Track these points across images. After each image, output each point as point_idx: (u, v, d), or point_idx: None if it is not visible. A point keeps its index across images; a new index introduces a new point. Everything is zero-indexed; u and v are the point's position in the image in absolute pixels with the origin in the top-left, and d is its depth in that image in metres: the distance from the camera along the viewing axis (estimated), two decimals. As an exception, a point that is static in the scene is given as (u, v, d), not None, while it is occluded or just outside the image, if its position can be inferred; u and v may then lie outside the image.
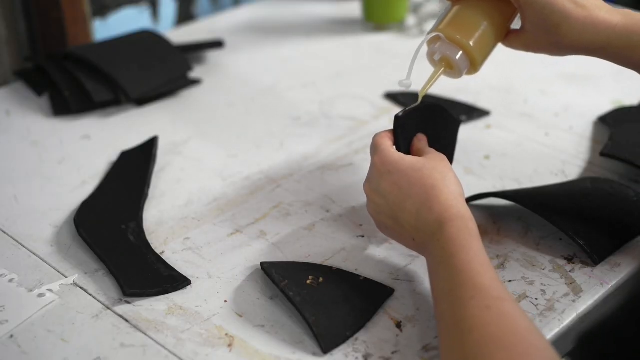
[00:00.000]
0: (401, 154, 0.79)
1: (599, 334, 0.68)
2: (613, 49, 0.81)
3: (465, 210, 0.75)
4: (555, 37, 0.82)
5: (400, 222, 0.77)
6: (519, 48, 0.87)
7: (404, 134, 0.83)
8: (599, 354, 0.66)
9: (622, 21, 0.80)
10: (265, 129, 1.08)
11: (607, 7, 0.81)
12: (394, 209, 0.77)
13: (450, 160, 0.88)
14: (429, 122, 0.85)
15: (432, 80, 0.85)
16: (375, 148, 0.81)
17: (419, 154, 0.81)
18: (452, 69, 0.86)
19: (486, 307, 0.65)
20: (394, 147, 0.82)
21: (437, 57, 0.85)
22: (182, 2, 1.48)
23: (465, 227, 0.72)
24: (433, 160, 0.79)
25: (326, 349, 0.72)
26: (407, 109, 0.83)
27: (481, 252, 0.71)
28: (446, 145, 0.87)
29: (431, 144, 0.84)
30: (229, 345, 0.74)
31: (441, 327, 0.68)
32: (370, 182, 0.80)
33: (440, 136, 0.86)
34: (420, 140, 0.83)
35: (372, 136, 0.82)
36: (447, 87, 1.17)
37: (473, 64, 0.86)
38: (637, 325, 0.63)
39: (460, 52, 0.84)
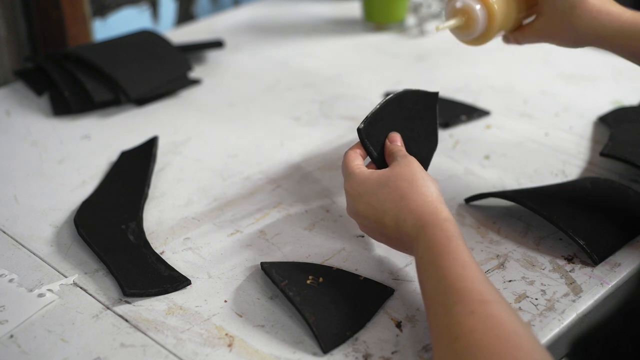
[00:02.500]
0: (367, 173, 0.79)
1: (599, 334, 0.68)
2: (622, 40, 0.84)
3: (438, 212, 0.74)
4: (569, 20, 0.85)
5: (388, 236, 0.78)
6: (532, 39, 0.90)
7: (373, 141, 0.83)
8: (600, 355, 0.66)
9: (633, 16, 0.83)
10: (265, 129, 1.08)
11: (620, 6, 0.85)
12: (378, 226, 0.78)
13: (435, 139, 0.87)
14: (398, 115, 0.85)
15: (445, 26, 0.89)
16: (343, 172, 0.81)
17: (389, 159, 0.82)
18: (468, 25, 0.89)
19: (470, 313, 0.64)
20: (367, 158, 0.83)
21: (459, 5, 0.89)
22: (182, 2, 1.48)
23: (441, 231, 0.72)
24: (399, 166, 0.78)
25: (326, 349, 0.72)
26: (367, 116, 0.83)
27: (461, 253, 0.70)
28: (427, 127, 0.87)
29: (409, 135, 0.84)
30: (229, 345, 0.74)
31: (432, 333, 0.67)
32: (349, 207, 0.81)
33: (418, 121, 0.86)
34: (393, 142, 0.83)
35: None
36: (447, 87, 1.17)
37: (488, 29, 0.89)
38: (638, 326, 0.63)
39: (480, 5, 0.88)
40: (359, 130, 0.83)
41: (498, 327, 0.63)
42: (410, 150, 0.83)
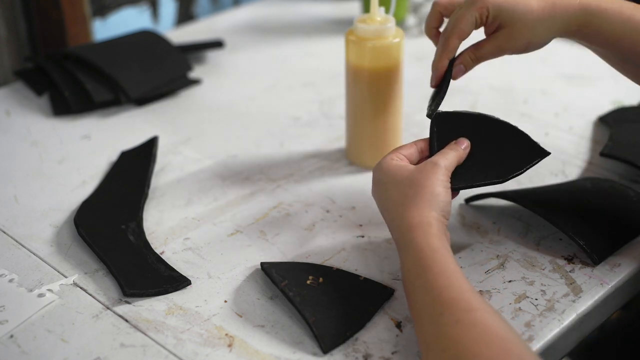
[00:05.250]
0: (392, 164, 0.78)
1: (600, 334, 0.68)
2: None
3: (429, 226, 0.73)
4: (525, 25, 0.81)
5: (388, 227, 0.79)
6: (494, 52, 0.85)
7: (440, 135, 0.80)
8: (601, 354, 0.66)
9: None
10: (265, 129, 1.08)
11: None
12: (382, 214, 0.79)
13: (498, 182, 0.79)
14: (485, 138, 0.80)
15: None
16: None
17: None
18: None
19: (456, 322, 0.64)
20: (419, 150, 0.81)
21: None
22: (182, 2, 1.48)
23: (427, 245, 0.71)
24: (420, 171, 0.77)
25: (326, 349, 0.72)
26: (449, 111, 0.81)
27: (447, 265, 0.69)
28: (505, 169, 0.80)
29: (478, 160, 0.80)
30: (229, 345, 0.74)
31: (421, 345, 0.67)
32: (372, 188, 0.81)
33: (503, 160, 0.81)
34: (455, 146, 0.79)
35: None
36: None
37: None
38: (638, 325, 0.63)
39: None
40: (434, 115, 0.80)
41: (485, 334, 0.63)
42: (465, 169, 0.79)
